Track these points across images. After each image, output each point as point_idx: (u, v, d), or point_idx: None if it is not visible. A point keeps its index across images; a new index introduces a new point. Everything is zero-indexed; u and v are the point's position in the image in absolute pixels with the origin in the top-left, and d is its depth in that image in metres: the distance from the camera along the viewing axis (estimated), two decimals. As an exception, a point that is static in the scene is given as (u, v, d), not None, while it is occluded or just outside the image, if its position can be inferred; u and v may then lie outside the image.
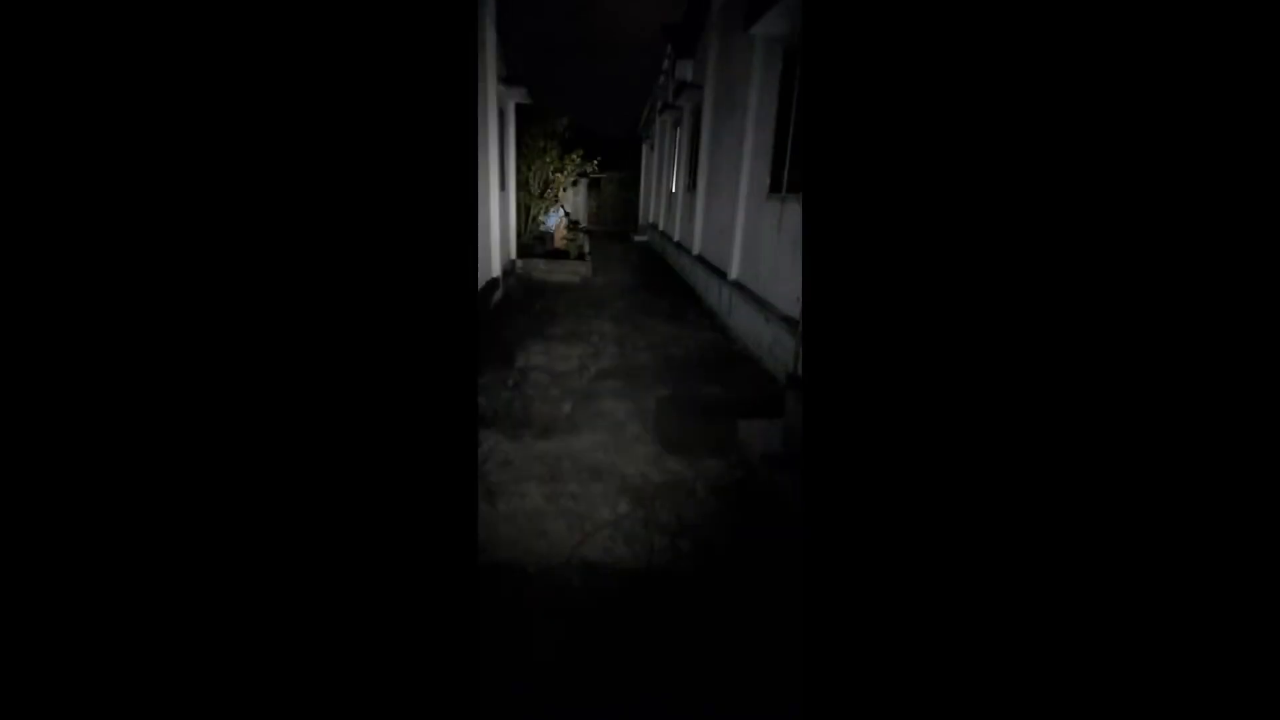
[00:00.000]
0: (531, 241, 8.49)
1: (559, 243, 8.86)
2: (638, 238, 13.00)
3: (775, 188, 4.45)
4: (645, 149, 13.75)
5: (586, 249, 8.93)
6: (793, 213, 3.94)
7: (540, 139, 8.28)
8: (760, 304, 4.32)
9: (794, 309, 3.66)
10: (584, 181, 16.05)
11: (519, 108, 7.22)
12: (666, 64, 10.16)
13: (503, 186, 6.36)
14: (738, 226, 5.19)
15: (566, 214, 9.82)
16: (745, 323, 4.64)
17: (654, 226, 11.92)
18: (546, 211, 9.03)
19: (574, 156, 8.77)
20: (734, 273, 5.32)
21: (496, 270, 5.89)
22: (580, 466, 2.47)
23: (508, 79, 6.29)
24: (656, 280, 7.65)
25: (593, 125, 13.62)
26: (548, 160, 8.49)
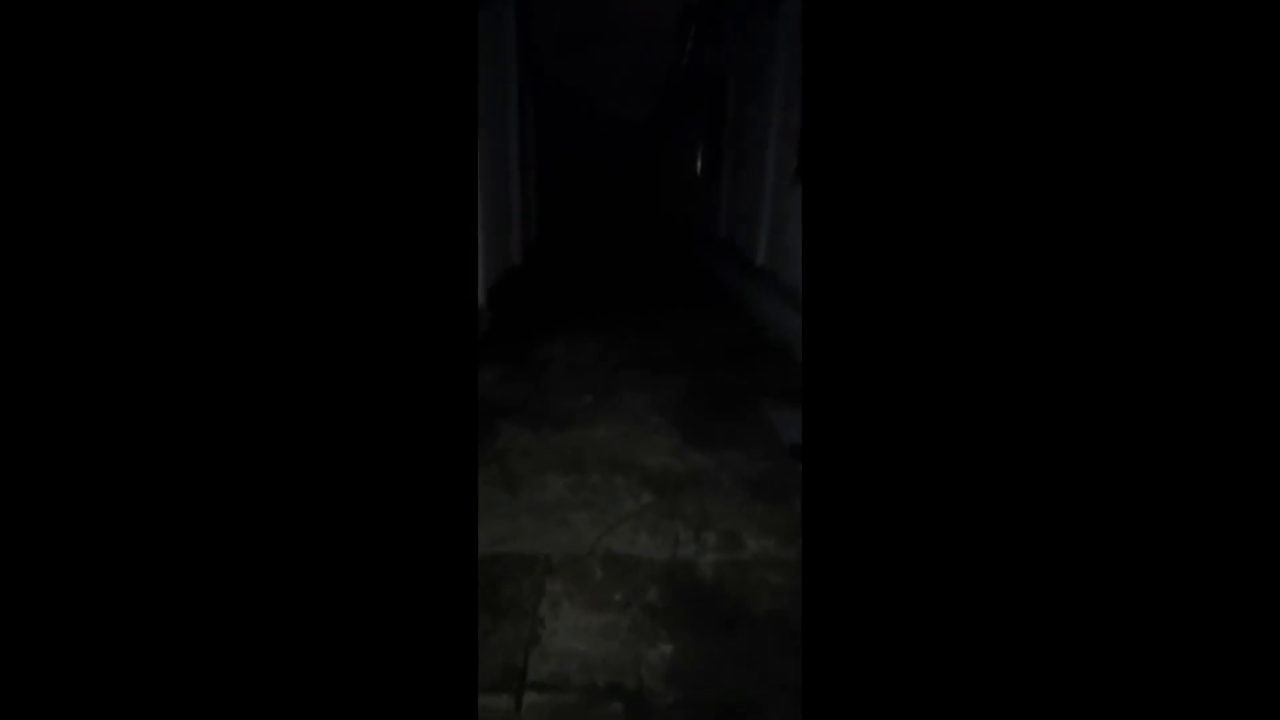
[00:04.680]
0: None
1: None
2: (659, 224, 12.92)
3: (802, 172, 4.36)
4: (666, 134, 13.61)
5: None
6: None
7: None
8: (787, 291, 4.25)
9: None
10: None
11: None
12: (689, 46, 10.01)
13: (524, 181, 6.35)
14: (764, 212, 5.11)
15: None
16: (772, 310, 4.57)
17: (677, 212, 11.82)
18: None
19: None
20: (760, 258, 5.25)
21: (517, 257, 5.91)
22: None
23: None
24: (679, 266, 7.60)
25: (612, 110, 13.42)
26: None
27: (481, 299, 4.32)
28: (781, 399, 3.09)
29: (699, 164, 9.27)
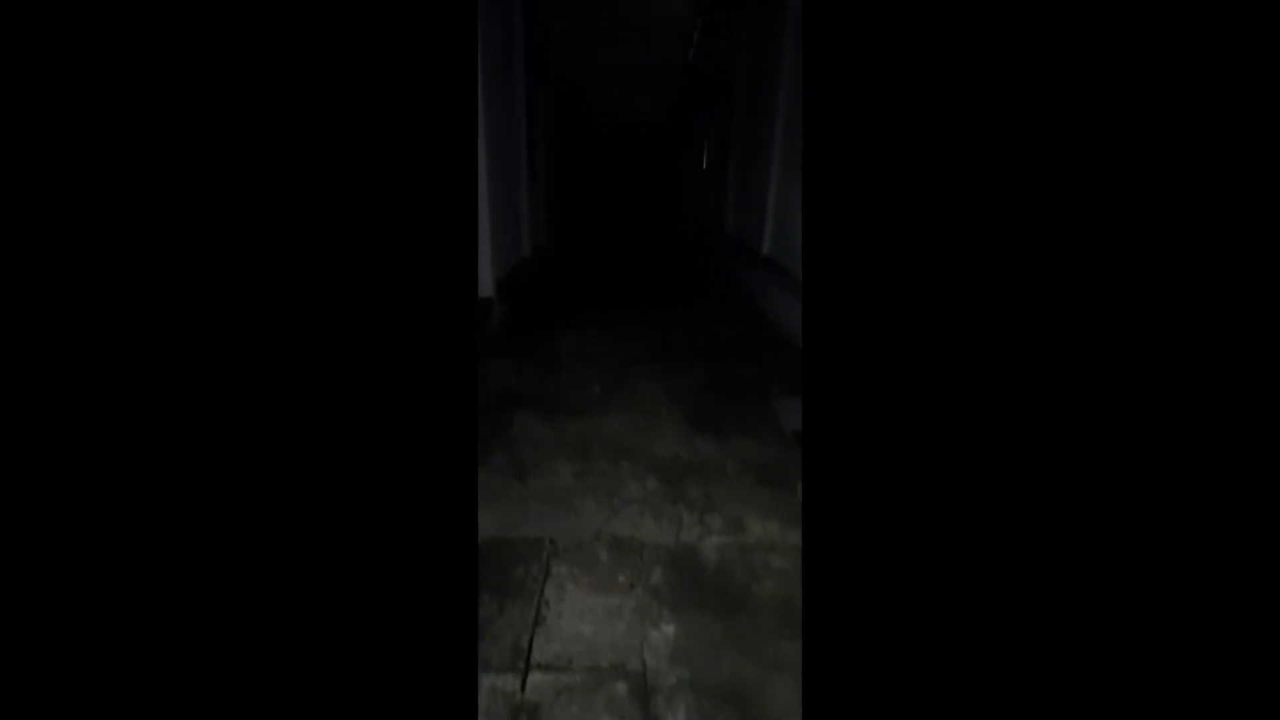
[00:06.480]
0: None
1: None
2: (669, 220, 12.88)
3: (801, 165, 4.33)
4: (678, 129, 13.54)
5: None
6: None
7: None
8: (793, 281, 4.24)
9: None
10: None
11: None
12: (696, 38, 9.96)
13: (533, 175, 6.37)
14: (769, 205, 5.10)
15: None
16: (777, 303, 4.56)
17: (687, 208, 11.79)
18: None
19: None
20: (765, 251, 5.24)
21: (527, 250, 5.94)
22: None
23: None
24: (688, 261, 7.59)
25: (625, 106, 13.33)
26: None
27: (491, 290, 4.33)
28: (787, 389, 3.08)
29: (705, 158, 9.24)
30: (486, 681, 1.33)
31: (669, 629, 1.48)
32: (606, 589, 1.62)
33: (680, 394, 3.04)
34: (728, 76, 7.10)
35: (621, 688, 1.32)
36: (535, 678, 1.35)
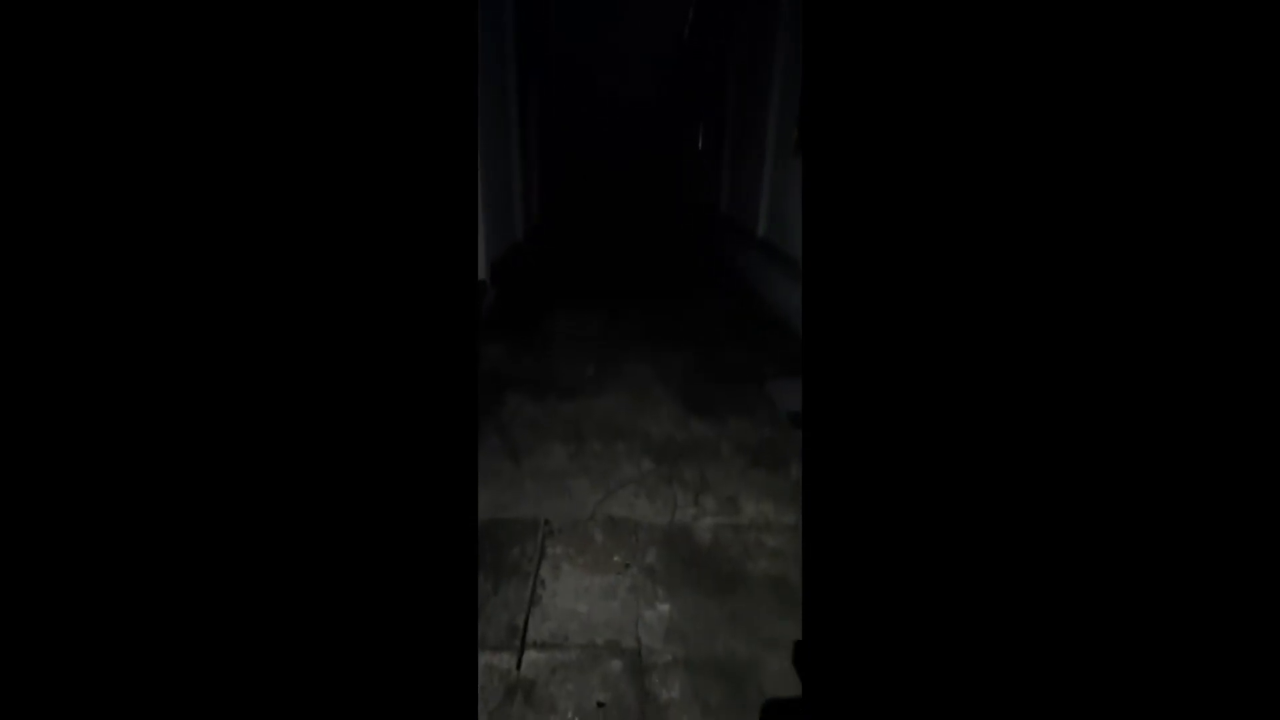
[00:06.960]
0: None
1: None
2: (667, 204, 12.79)
3: (801, 145, 4.30)
4: (676, 112, 13.38)
5: None
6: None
7: None
8: (788, 262, 4.23)
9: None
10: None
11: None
12: (691, 16, 9.82)
13: (525, 159, 6.30)
14: (764, 185, 5.06)
15: None
16: (771, 285, 4.55)
17: (685, 191, 11.70)
18: None
19: None
20: (761, 230, 5.22)
21: (520, 233, 5.90)
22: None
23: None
24: (683, 244, 7.56)
25: (618, 90, 13.13)
26: None
27: (484, 273, 4.31)
28: (781, 370, 3.09)
29: (701, 141, 9.15)
30: (483, 660, 1.34)
31: (664, 608, 1.50)
32: (602, 568, 1.63)
33: (674, 376, 3.04)
34: (722, 59, 7.01)
35: (616, 665, 1.34)
36: (531, 656, 1.36)
